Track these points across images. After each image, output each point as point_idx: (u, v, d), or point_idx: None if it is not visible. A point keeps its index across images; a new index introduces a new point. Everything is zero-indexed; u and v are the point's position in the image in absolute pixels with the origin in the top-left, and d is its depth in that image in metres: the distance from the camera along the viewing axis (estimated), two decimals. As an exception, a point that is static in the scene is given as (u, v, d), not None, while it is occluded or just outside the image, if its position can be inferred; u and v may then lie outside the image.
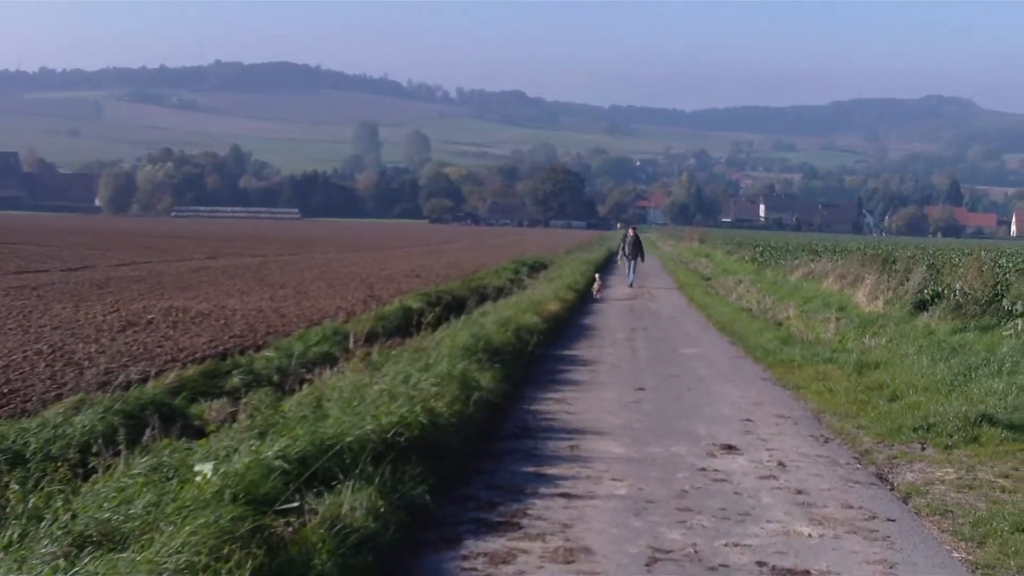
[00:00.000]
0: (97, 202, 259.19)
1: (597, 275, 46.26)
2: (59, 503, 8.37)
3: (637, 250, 48.53)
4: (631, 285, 45.12)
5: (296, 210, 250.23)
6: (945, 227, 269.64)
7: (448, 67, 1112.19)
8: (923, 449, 14.76)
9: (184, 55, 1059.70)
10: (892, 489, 12.72)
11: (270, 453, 9.80)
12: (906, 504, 11.98)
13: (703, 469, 13.21)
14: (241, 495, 8.70)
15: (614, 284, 45.34)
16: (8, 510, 8.54)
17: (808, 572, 9.31)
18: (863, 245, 70.07)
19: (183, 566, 7.05)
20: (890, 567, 9.58)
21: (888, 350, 23.25)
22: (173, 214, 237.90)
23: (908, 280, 31.35)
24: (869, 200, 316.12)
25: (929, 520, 11.29)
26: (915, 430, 15.52)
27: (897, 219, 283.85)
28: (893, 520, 11.16)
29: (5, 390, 15.37)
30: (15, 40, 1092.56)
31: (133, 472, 9.40)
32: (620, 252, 48.71)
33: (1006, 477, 13.07)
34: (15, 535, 7.83)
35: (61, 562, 7.05)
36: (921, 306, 28.21)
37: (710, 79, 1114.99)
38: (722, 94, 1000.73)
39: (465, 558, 9.40)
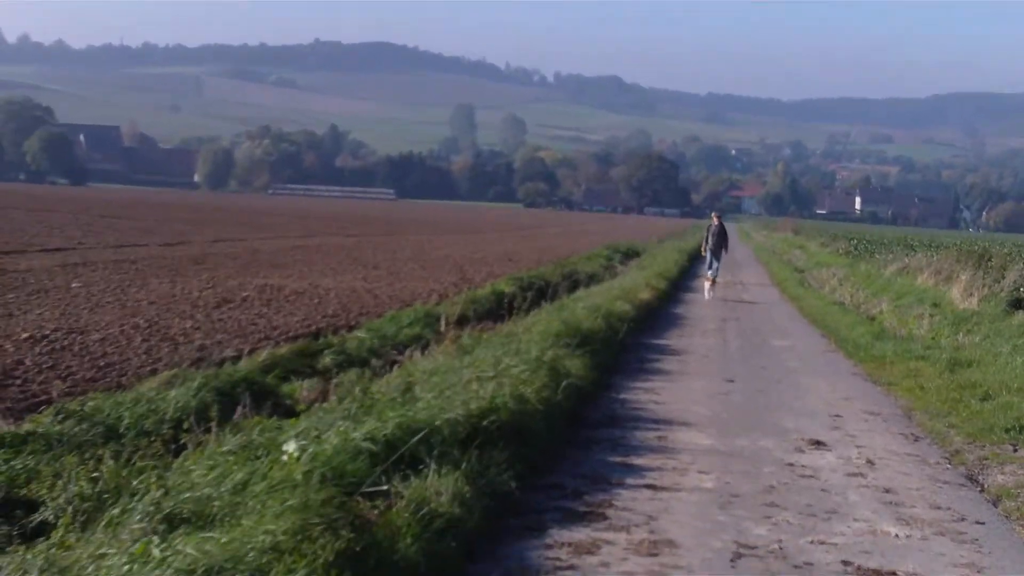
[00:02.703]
0: (196, 178, 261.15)
1: (710, 273, 44.73)
2: (152, 479, 8.46)
3: (722, 241, 43.30)
4: (713, 279, 43.47)
5: (391, 191, 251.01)
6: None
7: (546, 51, 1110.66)
8: (1015, 451, 14.57)
9: (284, 34, 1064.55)
10: (982, 491, 12.58)
11: (358, 435, 9.85)
12: (996, 507, 11.85)
13: (790, 464, 13.14)
14: (329, 476, 8.76)
15: (702, 276, 44.90)
16: (102, 484, 8.65)
17: (894, 573, 9.24)
18: (959, 241, 69.33)
19: (268, 547, 7.11)
20: (978, 571, 9.49)
21: (982, 348, 22.99)
22: (270, 191, 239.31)
23: (1004, 277, 30.98)
24: (966, 195, 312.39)
25: (1020, 524, 11.15)
26: (1007, 431, 15.32)
27: (995, 215, 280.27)
28: (982, 523, 11.04)
29: (102, 363, 15.62)
30: (119, 15, 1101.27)
31: (223, 450, 9.50)
32: (704, 243, 45.50)
33: (1099, 482, 12.90)
34: (110, 510, 7.94)
35: (154, 538, 7.13)
36: (1017, 304, 27.85)
37: (808, 69, 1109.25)
38: (819, 85, 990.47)
39: (549, 547, 9.40)
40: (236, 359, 15.89)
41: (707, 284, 37.41)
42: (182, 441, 10.40)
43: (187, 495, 8.15)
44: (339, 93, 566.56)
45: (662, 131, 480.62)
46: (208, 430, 10.44)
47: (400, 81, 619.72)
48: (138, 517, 7.60)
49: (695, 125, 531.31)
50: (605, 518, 10.35)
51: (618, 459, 12.82)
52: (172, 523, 7.56)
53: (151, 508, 7.73)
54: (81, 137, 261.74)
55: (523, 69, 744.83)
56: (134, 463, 9.10)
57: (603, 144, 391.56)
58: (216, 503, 8.06)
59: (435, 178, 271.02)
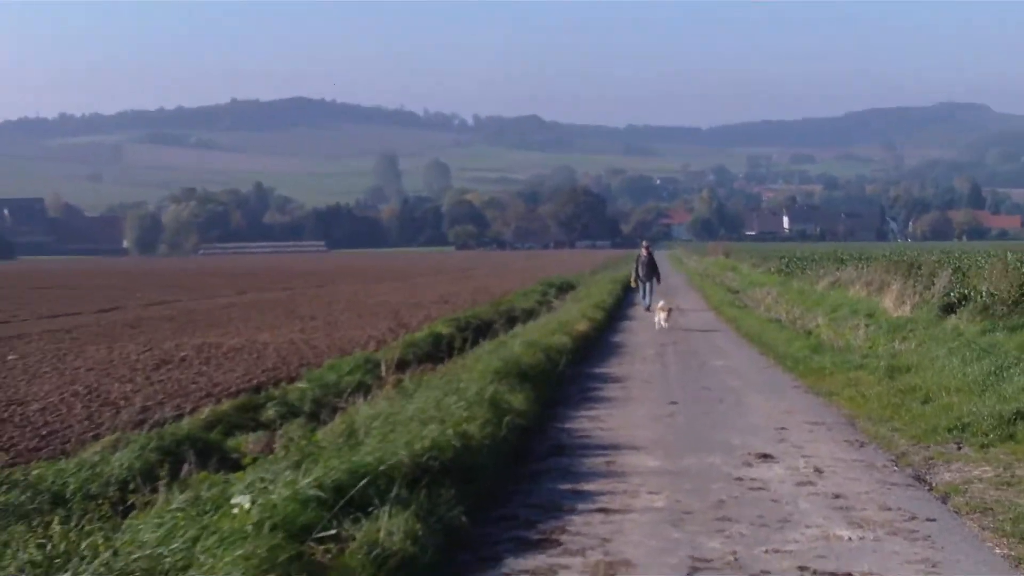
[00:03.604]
0: (124, 244, 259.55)
1: (645, 303, 44.16)
2: (100, 540, 8.40)
3: (653, 271, 44.40)
4: (648, 308, 43.30)
5: (322, 242, 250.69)
6: (969, 230, 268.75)
7: (463, 95, 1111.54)
8: (959, 449, 14.74)
9: (200, 95, 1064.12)
10: (930, 489, 12.71)
11: (306, 483, 9.83)
12: (945, 504, 11.97)
13: (739, 479, 13.20)
14: (279, 525, 8.73)
15: (638, 304, 44.91)
16: (51, 549, 8.58)
17: (850, 575, 9.30)
18: (888, 252, 69.89)
19: (225, 597, 7.08)
20: (932, 566, 9.57)
21: (918, 353, 23.22)
22: (200, 252, 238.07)
23: (934, 284, 31.31)
24: (891, 207, 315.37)
25: (969, 518, 11.27)
26: (950, 430, 15.51)
27: (921, 224, 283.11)
28: (933, 520, 11.15)
29: (44, 432, 15.55)
30: (33, 87, 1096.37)
31: (172, 507, 9.43)
32: (634, 273, 45.38)
33: (1044, 473, 13.05)
34: (58, 574, 7.87)
35: (104, 599, 7.08)
36: (948, 309, 28.17)
37: (724, 95, 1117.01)
38: (737, 110, 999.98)
39: (506, 576, 9.42)
40: (179, 418, 15.85)
41: (661, 315, 35.69)
42: (130, 502, 10.34)
43: (137, 554, 8.09)
44: (261, 151, 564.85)
45: (585, 165, 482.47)
46: (155, 489, 10.40)
47: (321, 135, 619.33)
48: (89, 580, 7.55)
49: (617, 158, 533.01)
50: (559, 544, 10.36)
51: (568, 486, 12.84)
52: (125, 582, 7.50)
53: (102, 569, 7.67)
54: (5, 211, 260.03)
55: (442, 114, 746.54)
56: (83, 527, 9.01)
57: (528, 183, 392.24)
58: (167, 559, 8.01)
59: (364, 227, 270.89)
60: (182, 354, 25.73)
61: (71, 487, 10.99)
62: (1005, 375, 18.80)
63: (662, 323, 35.09)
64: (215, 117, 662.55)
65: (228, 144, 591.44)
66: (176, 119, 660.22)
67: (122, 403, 17.96)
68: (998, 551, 10.08)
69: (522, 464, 14.28)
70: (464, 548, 10.20)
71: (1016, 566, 9.59)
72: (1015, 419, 15.42)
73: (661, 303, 35.90)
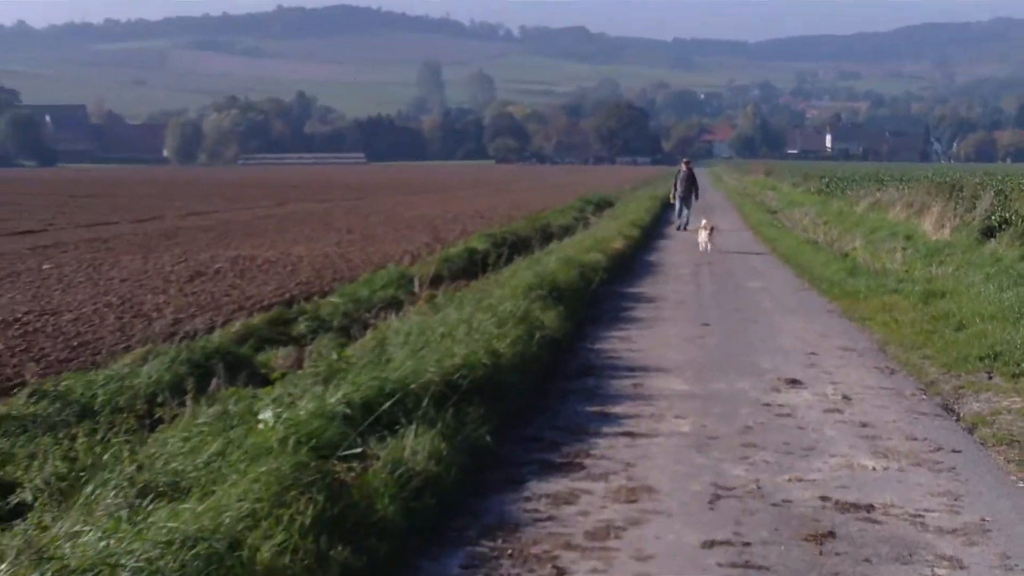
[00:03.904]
0: (165, 152, 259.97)
1: (678, 221, 43.54)
2: (125, 454, 8.45)
3: (691, 188, 43.67)
4: (681, 228, 43.00)
5: (362, 154, 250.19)
6: (1015, 152, 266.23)
7: (509, 4, 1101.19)
8: (990, 378, 14.65)
9: (246, 2, 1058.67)
10: (958, 420, 12.65)
11: (333, 399, 9.85)
12: (972, 435, 11.90)
13: (767, 404, 13.19)
14: (304, 442, 8.76)
15: (674, 222, 44.61)
16: (77, 462, 8.65)
17: (872, 506, 9.28)
18: (930, 173, 69.46)
19: (245, 513, 7.11)
20: (955, 499, 9.54)
21: (955, 279, 23.07)
22: (240, 162, 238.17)
23: (975, 207, 31.07)
24: (936, 127, 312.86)
25: (995, 450, 11.21)
26: (982, 359, 15.38)
27: (965, 145, 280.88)
28: (959, 451, 11.10)
29: (75, 343, 15.59)
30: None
31: (199, 422, 9.50)
32: (672, 191, 44.79)
33: (1074, 405, 12.98)
34: (85, 488, 7.92)
35: (124, 512, 7.13)
36: (988, 233, 27.95)
37: (773, 8, 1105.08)
38: (785, 23, 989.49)
39: (527, 499, 9.43)
40: (210, 331, 15.85)
41: (703, 235, 34.14)
42: (157, 415, 10.40)
43: (161, 468, 8.15)
44: (305, 59, 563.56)
45: (630, 79, 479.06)
46: (183, 403, 10.44)
47: (365, 43, 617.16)
48: (112, 492, 7.60)
49: (663, 71, 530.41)
50: (583, 468, 10.38)
51: (594, 408, 12.85)
52: (147, 496, 7.55)
53: (125, 483, 7.73)
54: (47, 118, 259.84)
55: (488, 24, 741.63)
56: (108, 440, 9.07)
57: (572, 96, 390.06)
58: (191, 474, 8.07)
59: (405, 139, 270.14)
60: (217, 266, 25.80)
61: (99, 399, 11.05)
62: (1041, 303, 18.69)
63: (705, 245, 33.67)
64: (261, 24, 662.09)
65: (273, 51, 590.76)
66: (222, 26, 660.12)
67: (154, 315, 18.02)
68: (1022, 484, 10.04)
69: (550, 383, 14.29)
70: (488, 469, 10.23)
71: (1039, 500, 9.56)
72: (1048, 349, 15.34)
73: (703, 222, 34.96)
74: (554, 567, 7.83)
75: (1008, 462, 10.76)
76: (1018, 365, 14.88)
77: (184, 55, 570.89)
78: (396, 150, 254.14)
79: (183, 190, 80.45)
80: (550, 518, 8.95)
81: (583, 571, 7.77)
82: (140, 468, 8.06)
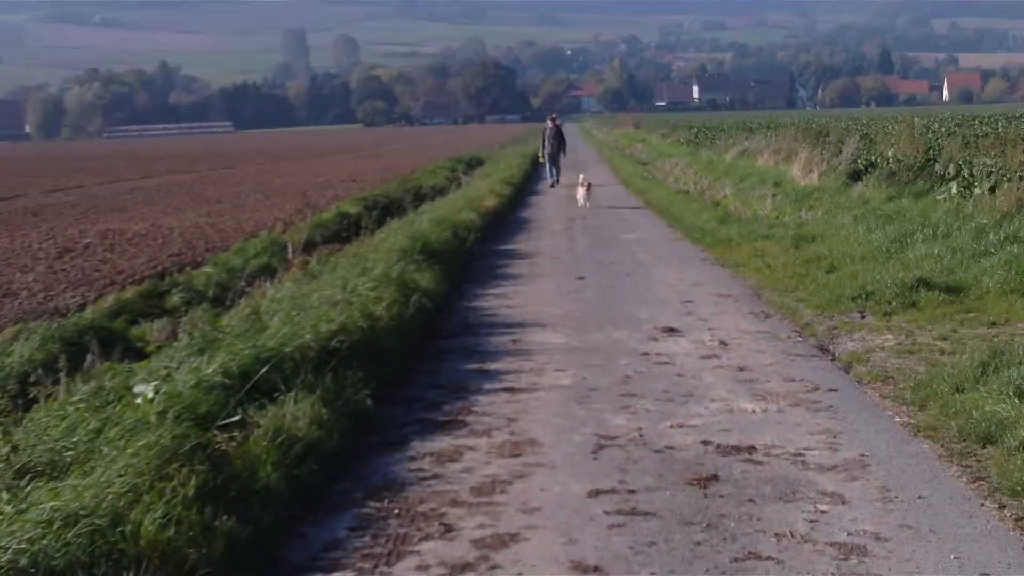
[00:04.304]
0: (27, 128, 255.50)
1: (550, 179, 43.17)
2: (-1, 435, 8.30)
3: (559, 144, 43.06)
4: (553, 185, 42.85)
5: (228, 123, 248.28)
6: (878, 97, 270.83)
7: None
8: (862, 318, 14.89)
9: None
10: (833, 359, 12.84)
11: (210, 370, 9.76)
12: (848, 373, 12.09)
13: (645, 353, 13.27)
14: (183, 414, 8.65)
15: (545, 179, 44.57)
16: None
17: (753, 447, 9.39)
18: (797, 120, 70.25)
19: (127, 488, 7.02)
20: (834, 436, 9.68)
21: (824, 222, 23.44)
22: (104, 135, 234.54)
23: (841, 151, 31.50)
24: (801, 74, 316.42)
25: (871, 387, 11.40)
26: (854, 299, 15.66)
27: (830, 92, 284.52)
28: (835, 390, 11.27)
29: (-59, 325, 15.25)
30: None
31: (74, 399, 9.33)
32: (541, 148, 44.45)
33: (944, 339, 13.22)
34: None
35: (4, 494, 7.00)
36: (856, 176, 28.40)
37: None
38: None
39: (412, 459, 9.41)
40: (82, 307, 15.65)
41: (581, 192, 33.53)
42: (31, 395, 10.21)
43: (39, 447, 8.02)
44: (166, 29, 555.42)
45: (496, 38, 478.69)
46: (57, 381, 10.26)
47: (227, 11, 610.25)
48: (-13, 476, 7.47)
49: (529, 29, 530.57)
50: (465, 425, 10.39)
51: (474, 366, 12.87)
52: (25, 477, 7.42)
53: (1, 464, 7.59)
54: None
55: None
56: (-17, 421, 8.90)
57: (438, 57, 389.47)
58: (70, 452, 7.94)
59: (272, 106, 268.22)
60: (86, 241, 25.42)
61: (-31, 381, 10.84)
62: (908, 242, 19.07)
63: (584, 201, 33.25)
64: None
65: (132, 22, 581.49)
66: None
67: (24, 293, 17.72)
68: (898, 420, 10.19)
69: (429, 344, 14.27)
70: (370, 431, 10.19)
71: (915, 434, 9.70)
72: (917, 286, 15.62)
73: (581, 178, 34.51)
74: (442, 524, 7.83)
75: (883, 398, 10.94)
76: (889, 304, 15.18)
77: (41, 29, 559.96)
78: (263, 118, 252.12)
79: (47, 165, 79.06)
80: (435, 476, 8.95)
81: (471, 526, 7.78)
82: (15, 449, 7.91)
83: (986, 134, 33.09)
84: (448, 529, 7.74)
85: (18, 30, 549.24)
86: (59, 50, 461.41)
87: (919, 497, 8.15)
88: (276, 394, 9.77)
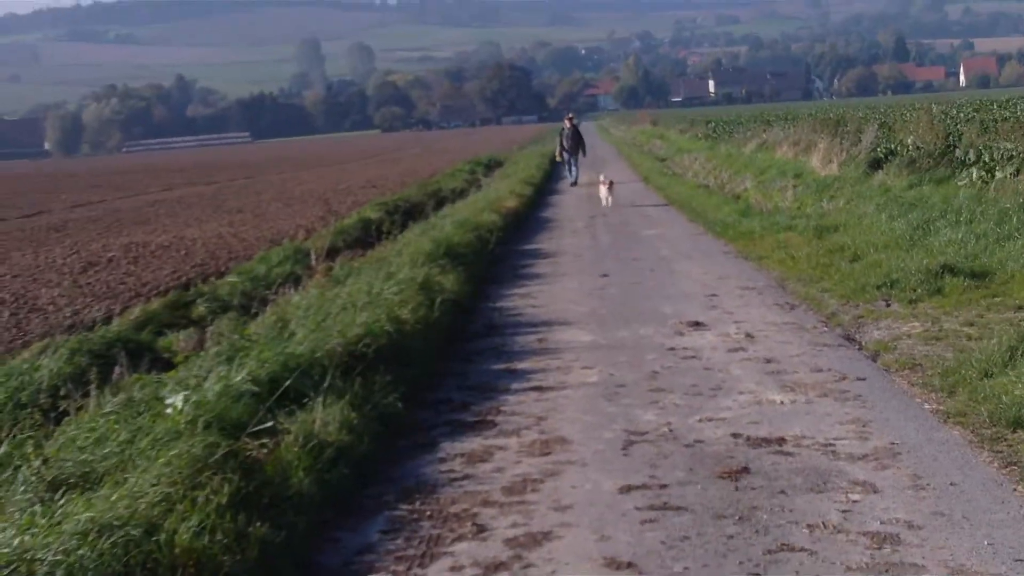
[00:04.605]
0: (46, 146, 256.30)
1: (570, 179, 43.11)
2: (30, 449, 8.32)
3: (578, 144, 42.92)
4: (574, 184, 42.82)
5: (247, 133, 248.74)
6: (895, 84, 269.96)
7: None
8: (888, 306, 14.86)
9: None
10: (860, 348, 12.82)
11: (239, 378, 9.79)
12: (875, 362, 12.07)
13: (672, 348, 13.27)
14: (213, 422, 8.68)
15: (566, 178, 44.56)
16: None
17: (783, 439, 9.39)
18: (814, 110, 70.04)
19: (160, 498, 7.05)
20: (863, 425, 9.67)
21: (846, 212, 23.39)
22: (124, 150, 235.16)
23: (860, 140, 31.42)
24: (817, 65, 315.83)
25: (899, 375, 11.38)
26: (879, 288, 15.62)
27: (846, 81, 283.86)
28: (863, 379, 11.25)
29: (-30, 343, 15.30)
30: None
31: (105, 411, 9.37)
32: (558, 147, 44.14)
33: (971, 325, 13.18)
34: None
35: (38, 507, 7.03)
36: (876, 165, 28.32)
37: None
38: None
39: (442, 460, 9.43)
40: (108, 320, 15.68)
41: (603, 190, 33.27)
42: (61, 408, 10.24)
43: (70, 460, 8.05)
44: (181, 43, 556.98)
45: (510, 40, 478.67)
46: (87, 394, 10.30)
47: (240, 22, 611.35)
48: (22, 488, 7.50)
49: (542, 30, 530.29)
50: (494, 425, 10.40)
51: (501, 366, 12.88)
52: (59, 490, 7.45)
53: (33, 478, 7.62)
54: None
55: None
56: (14, 436, 8.94)
57: (453, 61, 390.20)
58: (102, 464, 7.98)
59: (289, 115, 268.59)
60: (109, 255, 25.46)
61: (0, 397, 10.88)
62: (931, 229, 19.01)
63: (606, 200, 32.87)
64: (132, 11, 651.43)
65: (147, 38, 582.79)
66: (94, 15, 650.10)
67: (50, 308, 17.77)
68: (927, 407, 10.17)
69: (456, 345, 14.29)
70: (400, 435, 10.21)
71: (944, 421, 9.69)
72: (942, 273, 15.57)
73: (602, 177, 34.35)
74: (474, 524, 7.85)
75: (912, 385, 10.91)
76: (914, 291, 15.13)
77: (57, 47, 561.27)
78: (281, 127, 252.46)
79: (68, 182, 79.18)
80: (466, 477, 8.97)
81: (504, 526, 7.79)
82: (46, 462, 7.94)
83: (1005, 118, 32.95)
84: (481, 529, 7.76)
85: (34, 49, 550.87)
86: (76, 68, 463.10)
87: (951, 484, 8.14)
88: (305, 400, 9.79)
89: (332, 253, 21.28)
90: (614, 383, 11.71)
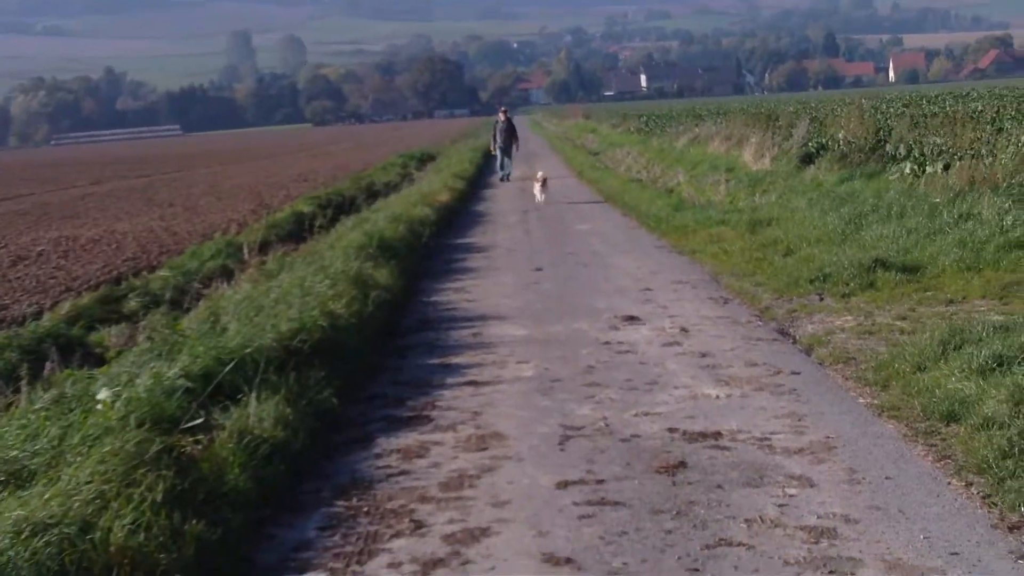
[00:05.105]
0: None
1: (501, 173, 43.06)
2: (-40, 448, 8.21)
3: (511, 137, 42.53)
4: (504, 179, 42.70)
5: (177, 126, 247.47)
6: (825, 79, 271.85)
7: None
8: (821, 300, 14.94)
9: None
10: (794, 342, 12.87)
11: (171, 373, 9.68)
12: (809, 356, 12.12)
13: (607, 343, 13.27)
14: (146, 418, 8.58)
15: (498, 173, 44.52)
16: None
17: (719, 433, 9.40)
18: (746, 105, 70.51)
19: (94, 495, 6.97)
20: (799, 419, 9.69)
21: (779, 206, 23.49)
22: (52, 143, 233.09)
23: (792, 135, 31.61)
24: (748, 60, 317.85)
25: (833, 369, 11.43)
26: (812, 282, 15.71)
27: (777, 76, 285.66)
28: (798, 373, 11.30)
29: None
30: None
31: (35, 407, 9.24)
32: (492, 141, 44.06)
33: (904, 319, 13.27)
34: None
35: (-32, 506, 6.93)
36: (807, 159, 28.51)
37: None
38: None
39: (379, 456, 9.38)
40: (38, 315, 15.53)
41: (537, 187, 32.33)
42: (-9, 406, 10.13)
43: (1, 457, 7.94)
44: (111, 35, 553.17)
45: (441, 33, 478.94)
46: (18, 390, 10.18)
47: (170, 16, 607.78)
48: (-51, 489, 7.40)
49: (474, 24, 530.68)
50: (430, 420, 10.36)
51: (436, 361, 12.84)
52: (-12, 488, 7.36)
53: (-38, 478, 7.53)
54: None
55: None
56: (-57, 434, 8.82)
57: (384, 54, 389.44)
58: (33, 461, 7.86)
59: (220, 108, 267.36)
60: (39, 249, 25.23)
61: (-74, 395, 10.73)
62: (863, 223, 19.13)
63: (540, 195, 32.16)
64: (62, 2, 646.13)
65: (76, 30, 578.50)
66: (21, 6, 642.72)
67: (-22, 304, 17.59)
68: (861, 401, 10.22)
69: (390, 340, 14.23)
70: (336, 430, 10.14)
71: (879, 415, 9.73)
72: (874, 267, 15.68)
73: (539, 174, 33.76)
74: (412, 520, 7.80)
75: (846, 379, 10.97)
76: (847, 285, 15.24)
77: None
78: (212, 120, 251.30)
79: (-5, 175, 78.53)
80: (403, 472, 8.92)
81: (441, 522, 7.75)
82: (-24, 461, 7.83)
83: (934, 113, 33.29)
84: (418, 525, 7.71)
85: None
86: (3, 60, 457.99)
87: (886, 478, 8.17)
88: (239, 395, 9.71)
89: (265, 247, 21.21)
90: (549, 377, 11.69)
